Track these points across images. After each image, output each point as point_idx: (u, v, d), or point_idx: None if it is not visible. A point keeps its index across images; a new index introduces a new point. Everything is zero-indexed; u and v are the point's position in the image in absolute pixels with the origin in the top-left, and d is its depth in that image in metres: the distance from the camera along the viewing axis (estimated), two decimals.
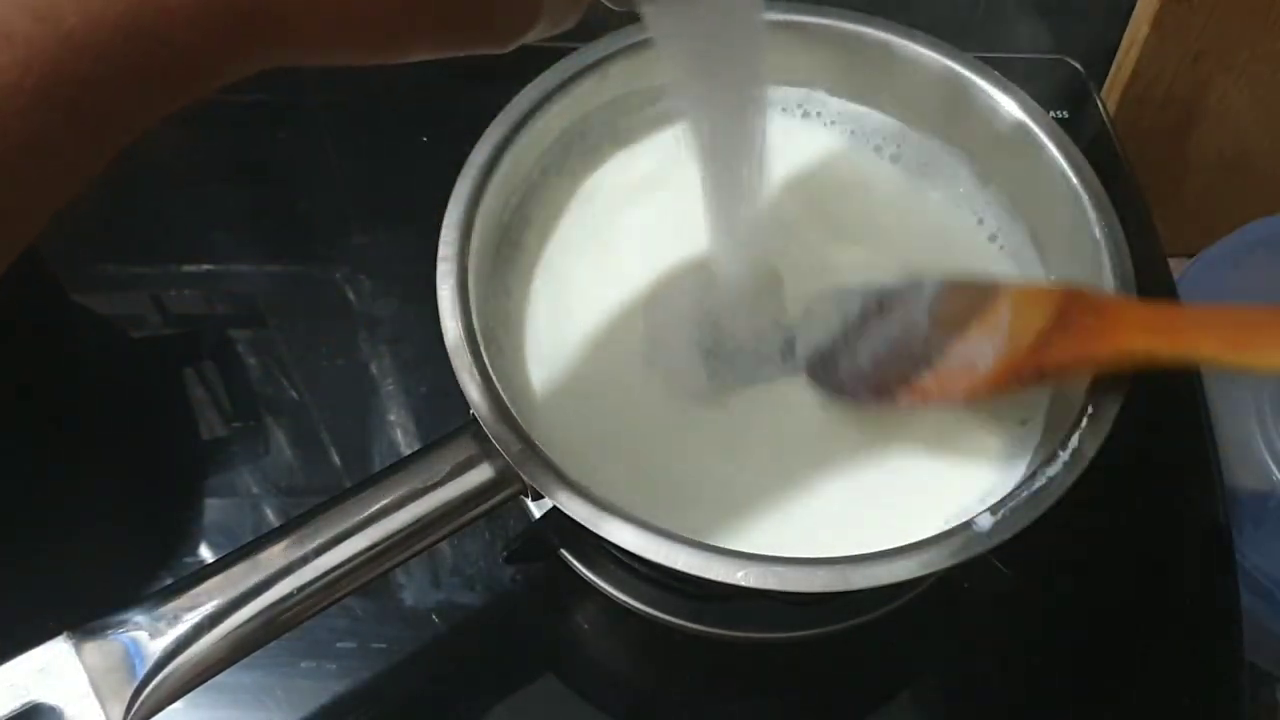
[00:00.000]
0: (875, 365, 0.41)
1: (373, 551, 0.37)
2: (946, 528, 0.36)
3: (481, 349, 0.38)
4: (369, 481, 0.38)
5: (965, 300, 0.41)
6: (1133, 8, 0.66)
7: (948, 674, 0.48)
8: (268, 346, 0.55)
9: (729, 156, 0.38)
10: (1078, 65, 0.65)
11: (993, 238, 0.47)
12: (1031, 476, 0.37)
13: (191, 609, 0.35)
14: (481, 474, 0.38)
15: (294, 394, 0.53)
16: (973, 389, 0.40)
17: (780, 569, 0.34)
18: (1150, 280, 0.50)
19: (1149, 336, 0.37)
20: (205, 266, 0.57)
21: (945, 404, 0.41)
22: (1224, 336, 0.37)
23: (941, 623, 0.47)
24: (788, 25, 0.47)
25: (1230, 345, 0.36)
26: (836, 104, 0.49)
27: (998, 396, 0.40)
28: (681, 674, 0.47)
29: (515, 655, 0.47)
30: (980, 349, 0.39)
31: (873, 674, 0.48)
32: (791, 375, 0.43)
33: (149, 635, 0.35)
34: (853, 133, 0.49)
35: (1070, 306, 0.39)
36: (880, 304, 0.42)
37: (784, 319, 0.45)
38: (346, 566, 0.37)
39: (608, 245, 0.47)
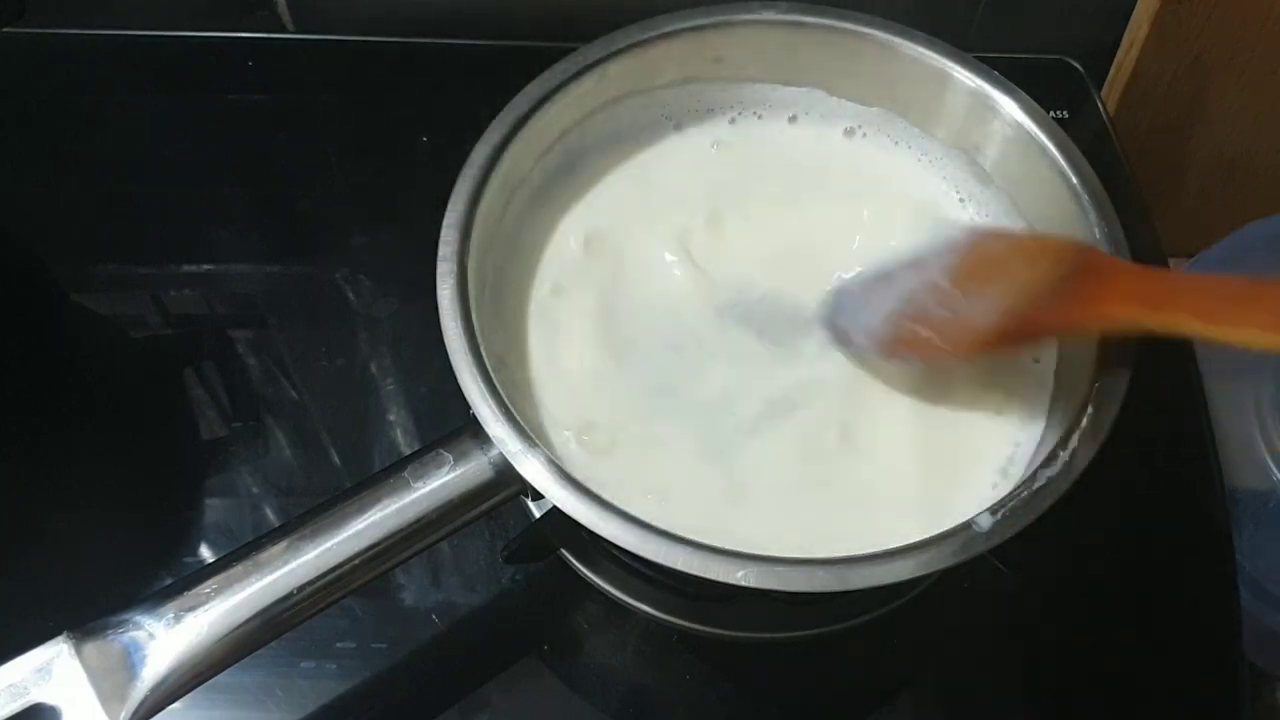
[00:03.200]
0: (885, 317, 0.42)
1: (373, 551, 0.37)
2: (946, 528, 0.36)
3: (481, 349, 0.38)
4: (369, 481, 0.38)
5: (983, 254, 0.42)
6: (1133, 8, 0.66)
7: (948, 674, 0.48)
8: (268, 346, 0.55)
9: None
10: (1078, 65, 0.65)
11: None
12: (1031, 477, 0.37)
13: (191, 609, 0.35)
14: (481, 474, 0.38)
15: (294, 394, 0.53)
16: (972, 344, 0.40)
17: (780, 569, 0.34)
18: None
19: (1137, 308, 0.38)
20: (205, 266, 0.57)
21: (942, 359, 0.41)
22: (1211, 311, 0.37)
23: (941, 623, 0.47)
24: (788, 25, 0.47)
25: (1215, 321, 0.36)
26: (836, 104, 0.49)
27: (993, 354, 0.42)
28: (681, 674, 0.47)
29: (515, 655, 0.47)
30: (987, 303, 0.40)
31: (873, 674, 0.48)
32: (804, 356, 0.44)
33: (149, 635, 0.35)
34: (851, 133, 0.49)
35: (1072, 266, 0.39)
36: (907, 264, 0.43)
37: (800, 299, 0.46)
38: (346, 566, 0.37)
39: (610, 245, 0.47)
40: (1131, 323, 0.38)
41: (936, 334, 0.41)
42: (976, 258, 0.42)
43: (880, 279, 0.44)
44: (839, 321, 0.44)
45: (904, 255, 0.44)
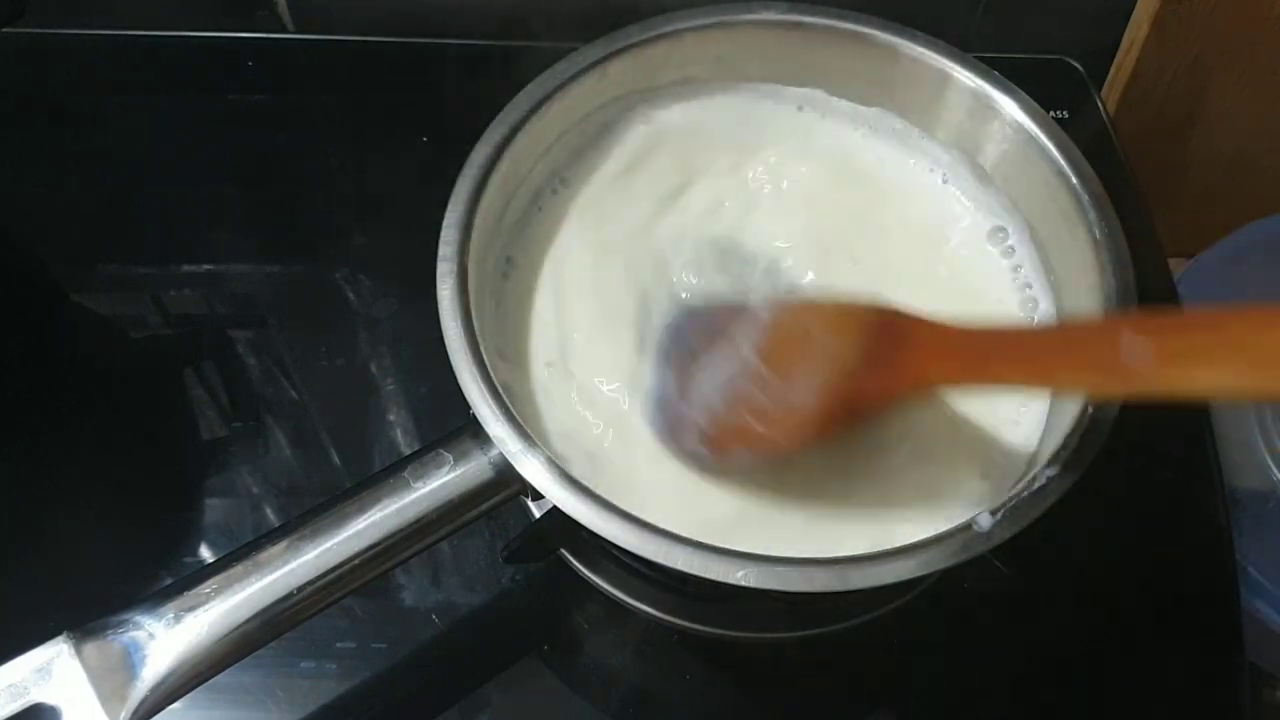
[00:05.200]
0: (709, 415, 0.40)
1: (373, 551, 0.37)
2: (946, 528, 0.36)
3: (481, 348, 0.38)
4: (369, 481, 0.38)
5: (786, 328, 0.39)
6: (1133, 8, 0.66)
7: (948, 674, 0.48)
8: (268, 346, 0.55)
9: None
10: (1078, 65, 0.65)
11: (993, 238, 0.47)
12: (1032, 477, 0.37)
13: (191, 609, 0.35)
14: (481, 474, 0.38)
15: (294, 394, 0.53)
16: (800, 429, 0.38)
17: (780, 569, 0.34)
18: (1150, 280, 0.50)
19: (949, 366, 0.37)
20: (205, 266, 0.57)
21: (774, 450, 0.39)
22: (1022, 365, 0.36)
23: (941, 623, 0.47)
24: (788, 25, 0.47)
25: (1028, 373, 0.36)
26: (836, 104, 0.49)
27: (820, 438, 0.38)
28: (681, 674, 0.47)
29: (515, 655, 0.47)
30: (803, 382, 0.38)
31: (873, 674, 0.48)
32: None
33: (149, 635, 0.35)
34: (852, 134, 0.49)
35: (877, 333, 0.38)
36: (707, 339, 0.41)
37: None
38: (346, 566, 0.37)
39: (612, 246, 0.47)
40: (950, 381, 0.37)
41: (763, 424, 0.38)
42: (780, 333, 0.39)
43: (689, 368, 0.41)
44: (662, 423, 0.41)
45: (697, 329, 0.42)
